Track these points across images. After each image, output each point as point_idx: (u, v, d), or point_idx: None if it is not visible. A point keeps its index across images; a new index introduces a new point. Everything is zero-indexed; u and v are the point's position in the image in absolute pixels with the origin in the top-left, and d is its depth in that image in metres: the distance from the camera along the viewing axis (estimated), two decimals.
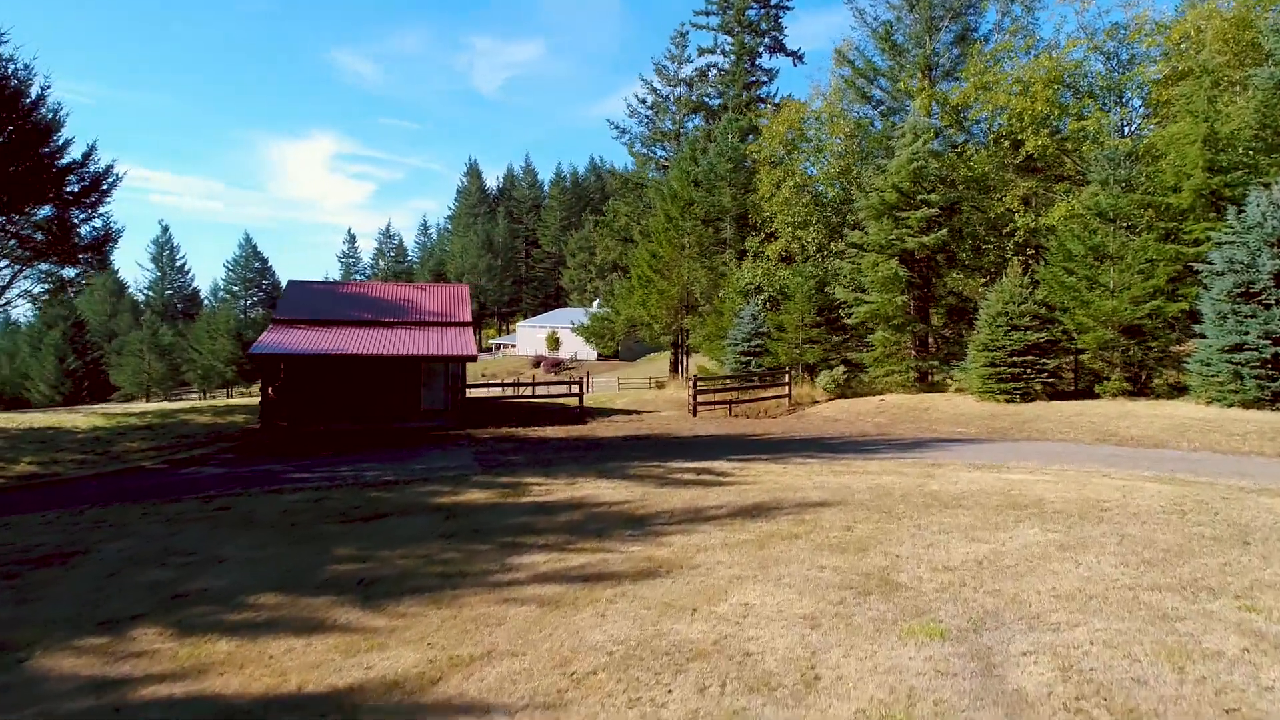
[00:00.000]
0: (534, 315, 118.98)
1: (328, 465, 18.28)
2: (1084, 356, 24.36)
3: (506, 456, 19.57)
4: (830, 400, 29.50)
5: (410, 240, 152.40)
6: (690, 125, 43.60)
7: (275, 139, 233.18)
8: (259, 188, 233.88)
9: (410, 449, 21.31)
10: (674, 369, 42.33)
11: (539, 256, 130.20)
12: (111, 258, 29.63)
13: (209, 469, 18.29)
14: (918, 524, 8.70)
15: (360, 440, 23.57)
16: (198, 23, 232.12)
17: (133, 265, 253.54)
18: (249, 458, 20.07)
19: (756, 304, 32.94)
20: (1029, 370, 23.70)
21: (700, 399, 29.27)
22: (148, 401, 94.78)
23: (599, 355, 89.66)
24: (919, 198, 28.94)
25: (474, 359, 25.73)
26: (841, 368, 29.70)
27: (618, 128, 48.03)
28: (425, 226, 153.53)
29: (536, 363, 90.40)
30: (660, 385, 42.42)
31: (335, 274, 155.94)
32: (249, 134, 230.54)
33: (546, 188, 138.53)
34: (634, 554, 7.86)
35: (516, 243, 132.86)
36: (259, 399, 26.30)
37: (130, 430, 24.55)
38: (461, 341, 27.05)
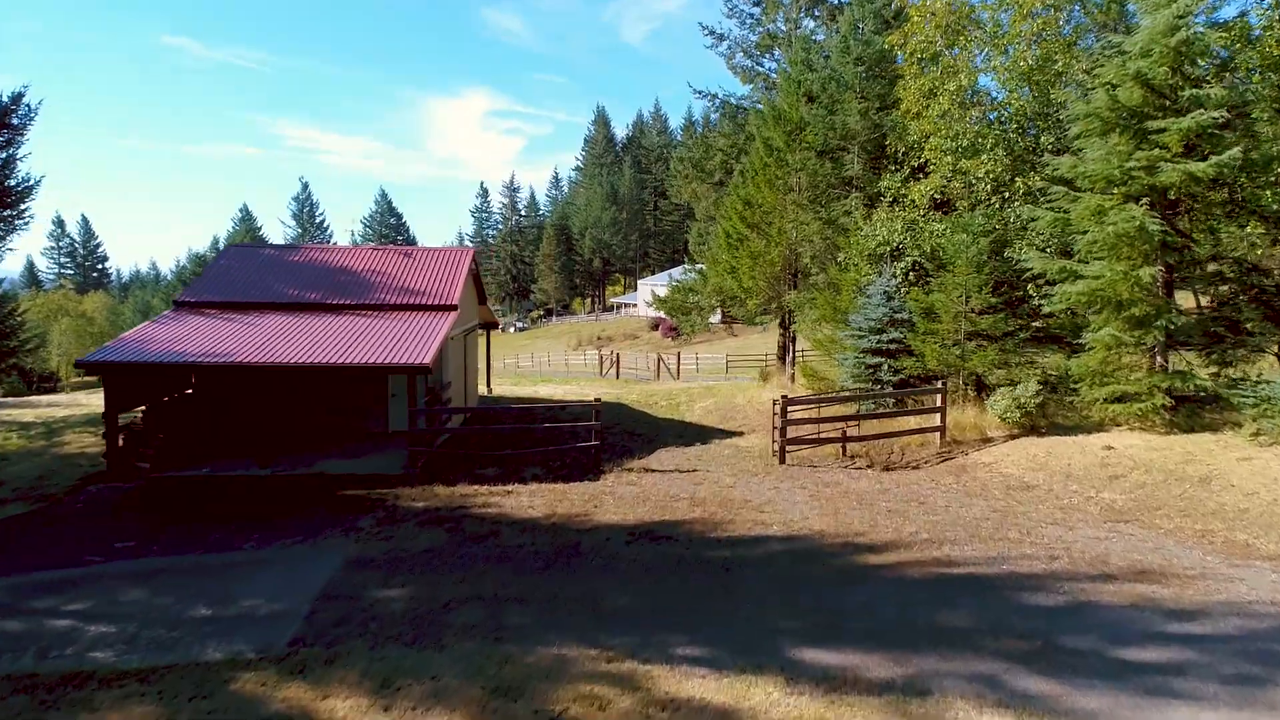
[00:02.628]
0: (661, 272, 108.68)
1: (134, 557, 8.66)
2: None
3: (384, 589, 9.57)
4: (1010, 438, 17.55)
5: (542, 195, 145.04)
6: (808, 25, 31.44)
7: (431, 98, 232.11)
8: (417, 146, 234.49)
9: (263, 535, 11.53)
10: (782, 356, 30.89)
11: (666, 209, 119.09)
12: (29, 215, 21.41)
13: None
14: None
15: (247, 502, 14.20)
16: None
17: (275, 223, 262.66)
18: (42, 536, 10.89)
19: (893, 275, 21.10)
20: None
21: (793, 432, 18.05)
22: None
23: (724, 318, 78.44)
24: (1184, 94, 16.14)
25: (425, 371, 15.73)
26: (1033, 384, 17.59)
27: (712, 33, 35.37)
28: (556, 179, 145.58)
29: (655, 325, 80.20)
30: (764, 377, 31.16)
31: (469, 230, 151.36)
32: (407, 94, 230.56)
33: (678, 135, 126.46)
34: None
35: (644, 194, 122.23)
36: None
37: None
38: (420, 340, 17.04)
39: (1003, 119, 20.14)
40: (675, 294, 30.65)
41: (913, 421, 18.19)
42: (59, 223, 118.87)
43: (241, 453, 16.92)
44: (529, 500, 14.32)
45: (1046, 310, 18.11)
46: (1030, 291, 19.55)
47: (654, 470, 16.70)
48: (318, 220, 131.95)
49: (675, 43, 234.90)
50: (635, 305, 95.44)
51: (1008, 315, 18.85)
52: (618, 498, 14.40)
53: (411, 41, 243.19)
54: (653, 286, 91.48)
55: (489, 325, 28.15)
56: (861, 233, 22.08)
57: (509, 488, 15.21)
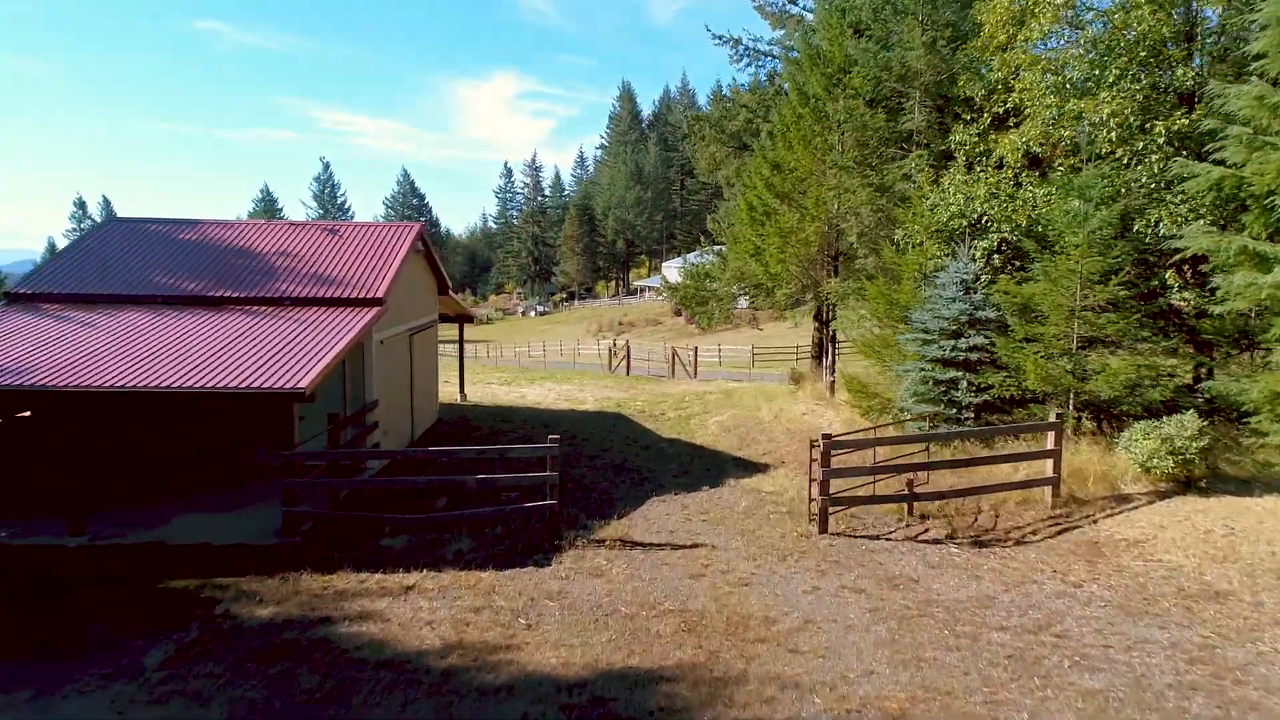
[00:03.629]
0: (687, 253, 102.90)
1: None
2: None
3: None
4: (1157, 495, 11.93)
5: (567, 175, 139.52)
6: None
7: (460, 81, 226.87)
8: (446, 129, 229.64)
9: None
10: (817, 356, 25.38)
11: (693, 188, 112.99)
12: None
13: None
14: None
15: (20, 594, 9.20)
16: None
17: (297, 204, 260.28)
18: None
19: (972, 258, 15.48)
20: None
21: (836, 481, 12.48)
22: None
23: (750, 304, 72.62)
24: None
25: (302, 396, 10.52)
26: (1192, 418, 11.93)
27: None
28: (582, 159, 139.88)
29: (678, 310, 74.64)
30: (796, 381, 25.64)
31: (492, 211, 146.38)
32: (436, 77, 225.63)
33: (706, 111, 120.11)
34: None
35: (670, 173, 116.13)
36: None
37: None
38: (309, 352, 11.85)
39: (1129, 44, 14.29)
40: (689, 281, 25.16)
41: (1011, 472, 12.63)
42: (80, 204, 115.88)
43: (56, 507, 11.89)
44: (431, 608, 9.09)
45: (1214, 310, 12.38)
46: (1169, 281, 13.85)
47: (635, 543, 11.37)
48: (339, 201, 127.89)
49: (705, 19, 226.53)
50: (659, 288, 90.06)
51: (1138, 318, 13.17)
52: (567, 607, 9.11)
53: (440, 24, 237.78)
54: (677, 269, 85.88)
55: (462, 318, 22.98)
56: (928, 202, 16.45)
57: (412, 578, 9.99)
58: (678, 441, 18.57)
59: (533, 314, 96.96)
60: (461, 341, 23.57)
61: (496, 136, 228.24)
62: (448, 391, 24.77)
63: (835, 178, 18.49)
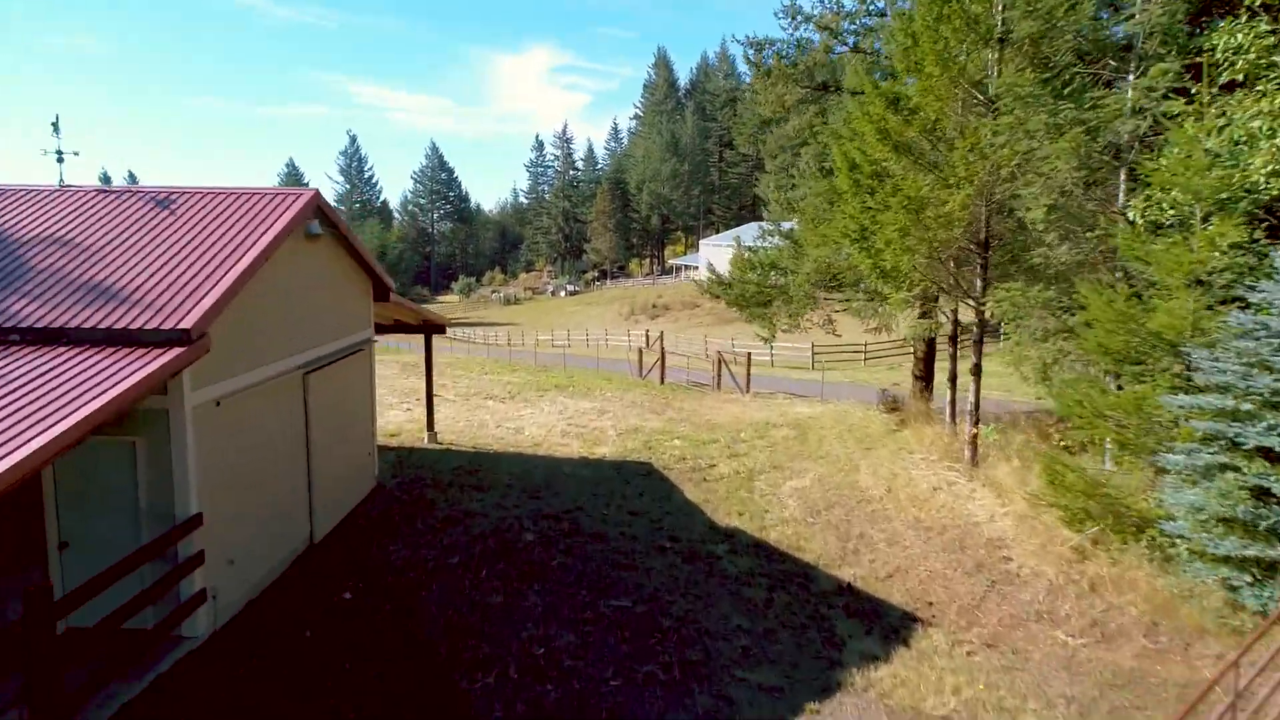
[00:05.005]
0: (726, 230, 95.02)
1: None
2: None
3: None
4: None
5: (600, 148, 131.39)
6: None
7: (495, 54, 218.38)
8: (481, 103, 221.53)
9: None
10: (924, 378, 18.04)
11: (733, 160, 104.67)
12: None
13: None
14: None
15: None
16: None
17: (324, 179, 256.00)
18: None
19: None
20: None
21: None
22: None
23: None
24: None
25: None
26: None
27: None
28: (615, 131, 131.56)
29: (709, 290, 67.17)
30: (891, 408, 18.32)
31: (524, 185, 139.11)
32: (471, 50, 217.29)
33: (747, 79, 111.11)
34: None
35: (708, 144, 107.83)
36: None
37: None
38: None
39: None
40: (747, 273, 17.86)
41: None
42: (105, 179, 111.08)
43: None
44: None
45: None
46: None
47: None
48: (366, 175, 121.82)
49: None
50: (696, 268, 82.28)
51: None
52: None
53: None
54: (716, 247, 77.99)
55: (429, 328, 15.98)
56: (1203, 146, 8.94)
57: None
58: (739, 536, 11.43)
59: (562, 294, 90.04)
60: (429, 363, 16.56)
61: (532, 110, 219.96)
62: (412, 428, 17.86)
63: (1012, 111, 10.93)
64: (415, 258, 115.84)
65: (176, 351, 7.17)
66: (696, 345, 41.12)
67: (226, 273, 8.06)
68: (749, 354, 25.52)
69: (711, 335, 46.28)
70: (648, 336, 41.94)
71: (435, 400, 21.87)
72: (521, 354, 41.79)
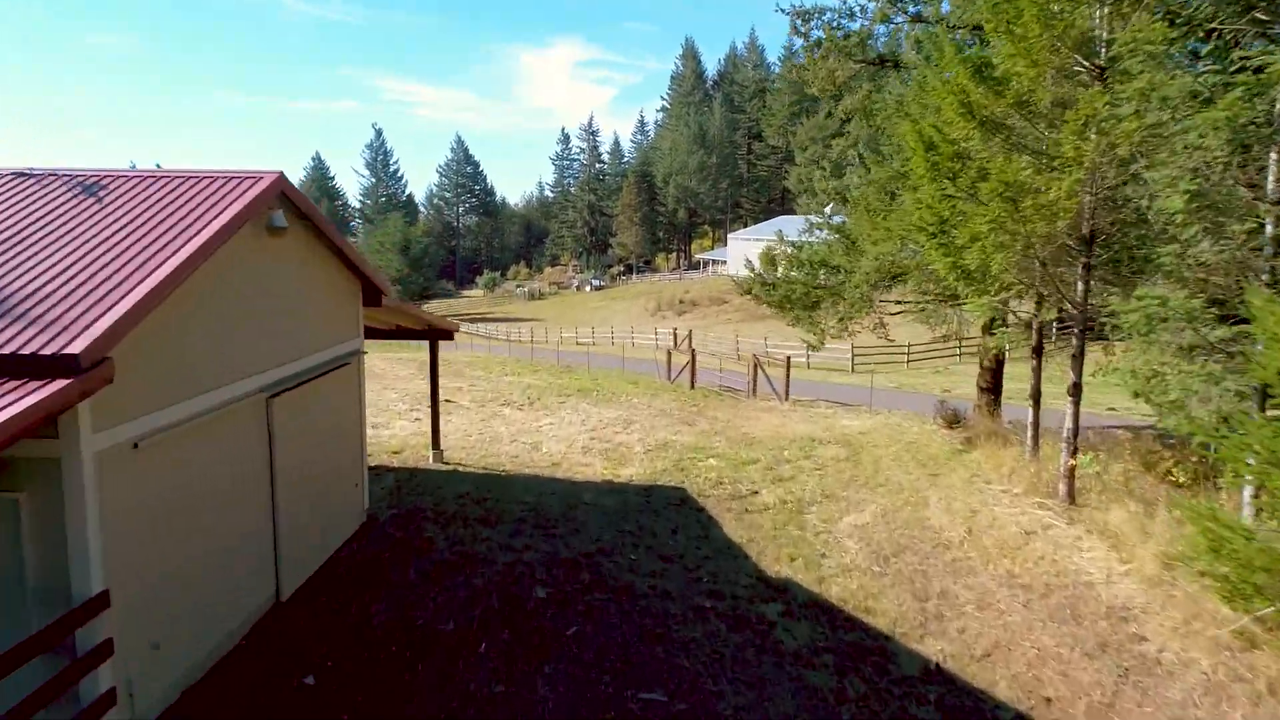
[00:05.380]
0: (755, 224, 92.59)
1: None
2: None
3: None
4: None
5: (626, 142, 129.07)
6: None
7: (521, 49, 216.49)
8: (507, 98, 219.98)
9: None
10: (992, 390, 15.89)
11: (762, 152, 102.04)
12: None
13: None
14: None
15: None
16: None
17: (349, 172, 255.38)
18: None
19: None
20: None
21: None
22: None
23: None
24: None
25: None
26: None
27: None
28: (642, 124, 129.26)
29: (748, 289, 64.87)
30: (950, 424, 16.18)
31: (549, 179, 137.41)
32: (497, 46, 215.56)
33: (776, 69, 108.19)
34: None
35: (736, 136, 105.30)
36: None
37: None
38: None
39: None
40: (792, 272, 15.77)
41: None
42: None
43: None
44: None
45: None
46: None
47: None
48: (392, 169, 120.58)
49: None
50: (725, 263, 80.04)
51: None
52: None
53: None
54: (746, 241, 75.54)
55: (434, 334, 14.10)
56: None
57: None
58: (793, 591, 9.40)
59: (588, 288, 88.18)
60: (435, 375, 14.66)
61: (558, 105, 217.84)
62: (418, 443, 16.01)
63: (1139, 74, 8.75)
64: (440, 252, 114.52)
65: (60, 384, 5.29)
66: (727, 344, 39.10)
67: (144, 279, 6.17)
68: (788, 357, 23.37)
69: (742, 333, 44.07)
70: (675, 336, 39.93)
71: (448, 406, 20.04)
72: (544, 353, 39.95)
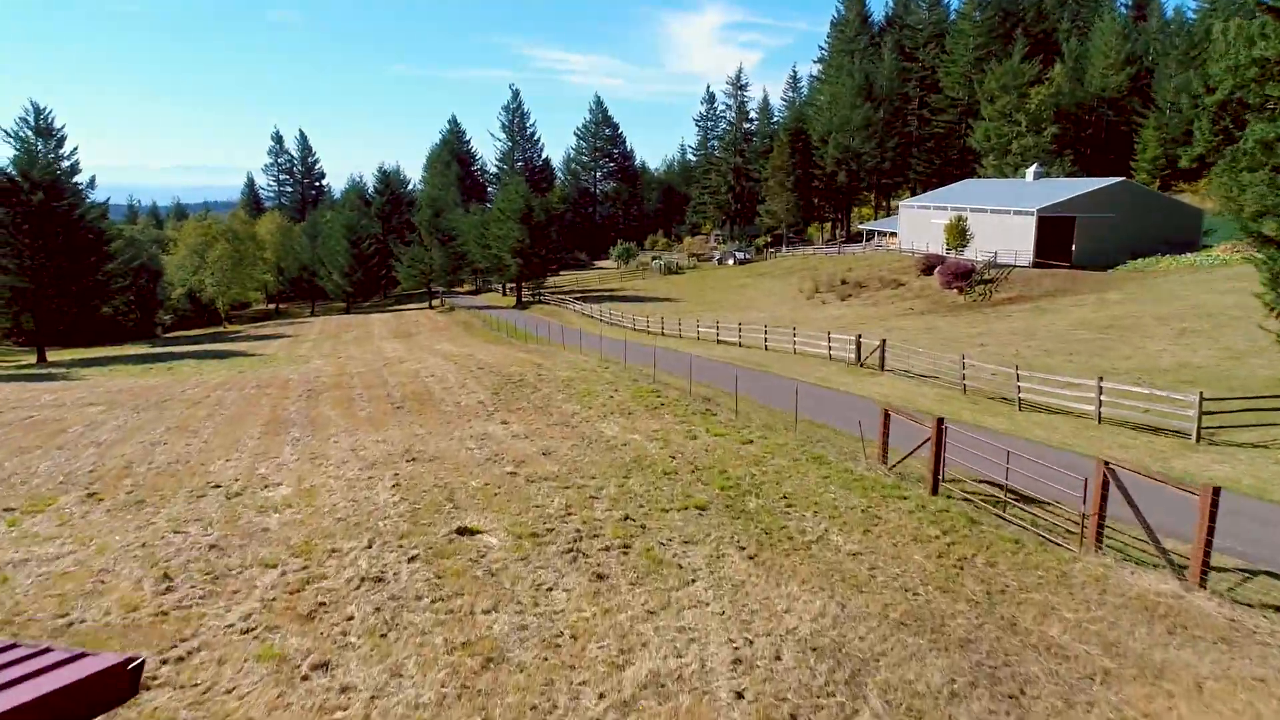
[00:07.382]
0: (927, 190, 76.45)
1: None
2: None
3: None
4: None
5: (776, 100, 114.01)
6: None
7: (668, 13, 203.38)
8: (654, 63, 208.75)
9: None
10: None
11: (939, 104, 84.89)
12: None
13: None
14: None
15: None
16: None
17: (486, 136, 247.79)
18: None
19: None
20: None
21: None
22: (431, 301, 70.13)
23: (1034, 260, 46.92)
24: None
25: None
26: None
27: None
28: (795, 80, 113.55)
29: (928, 267, 50.38)
30: None
31: (692, 141, 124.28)
32: (645, 10, 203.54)
33: (956, 5, 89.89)
34: None
35: (908, 88, 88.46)
36: None
37: None
38: None
39: None
40: None
41: None
42: (277, 138, 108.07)
43: None
44: None
45: None
46: None
47: None
48: (529, 131, 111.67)
49: None
50: (894, 235, 65.17)
51: None
52: None
53: None
54: (920, 210, 60.51)
55: None
56: None
57: None
58: None
59: (730, 261, 75.65)
60: None
61: (705, 69, 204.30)
62: None
63: None
64: (574, 219, 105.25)
65: None
66: (924, 353, 25.02)
67: None
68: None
69: (940, 333, 30.15)
70: (859, 345, 27.02)
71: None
72: (672, 357, 28.19)
